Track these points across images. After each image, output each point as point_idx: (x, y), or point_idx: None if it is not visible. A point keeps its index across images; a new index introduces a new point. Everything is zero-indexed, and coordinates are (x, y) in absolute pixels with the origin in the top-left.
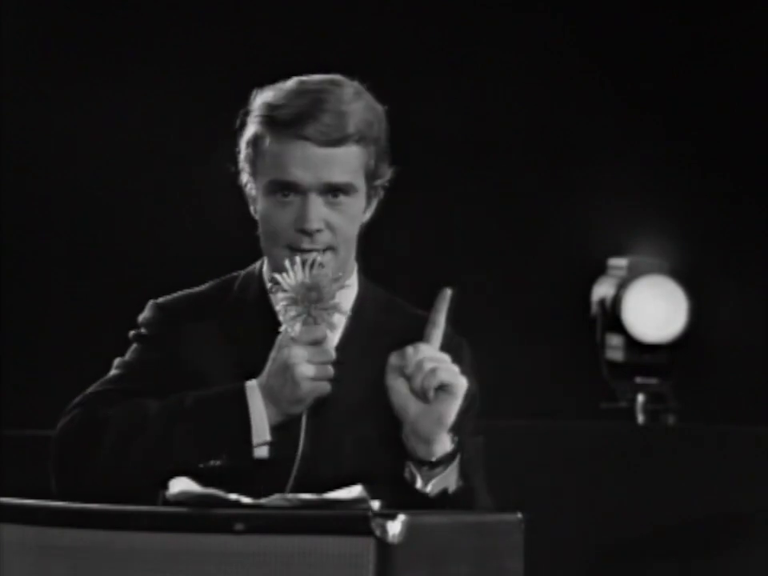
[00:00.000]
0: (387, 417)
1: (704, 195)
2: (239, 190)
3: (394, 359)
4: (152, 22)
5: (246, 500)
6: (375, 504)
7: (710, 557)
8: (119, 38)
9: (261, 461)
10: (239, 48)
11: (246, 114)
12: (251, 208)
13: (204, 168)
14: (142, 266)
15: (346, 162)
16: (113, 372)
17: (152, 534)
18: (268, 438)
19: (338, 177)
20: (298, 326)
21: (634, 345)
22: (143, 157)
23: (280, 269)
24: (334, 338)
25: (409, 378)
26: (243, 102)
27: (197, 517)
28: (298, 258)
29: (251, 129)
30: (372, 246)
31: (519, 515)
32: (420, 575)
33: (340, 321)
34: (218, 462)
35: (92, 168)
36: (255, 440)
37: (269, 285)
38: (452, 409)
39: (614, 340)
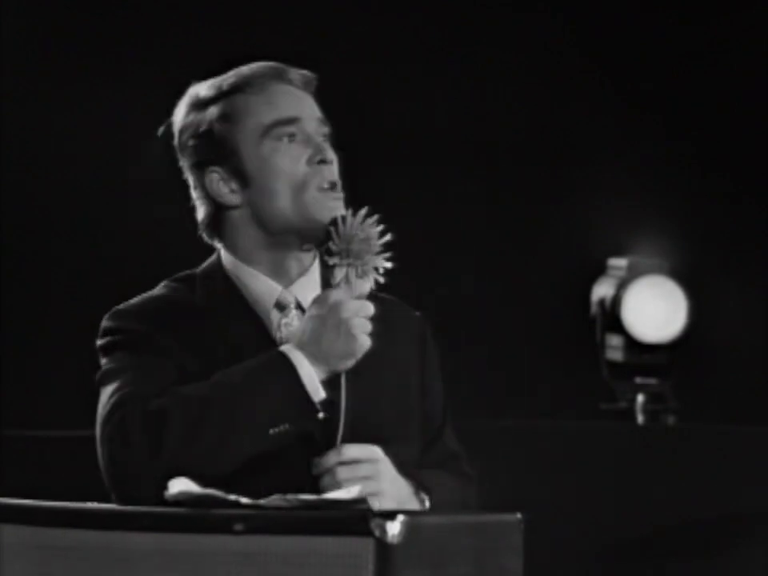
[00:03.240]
0: (386, 390)
1: (704, 195)
2: None
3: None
4: (152, 22)
5: (245, 500)
6: (374, 504)
7: (710, 557)
8: (119, 38)
9: (327, 420)
10: (240, 48)
11: (191, 111)
12: (218, 199)
13: None
14: (142, 267)
15: (317, 104)
16: (118, 381)
17: (152, 534)
18: (323, 395)
19: (321, 114)
20: (353, 277)
21: (633, 345)
22: (143, 156)
23: (304, 222)
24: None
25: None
26: None
27: (197, 517)
28: (350, 210)
29: (216, 108)
30: None
31: (519, 515)
32: (419, 575)
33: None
34: (286, 426)
35: (92, 168)
36: (315, 399)
37: (305, 246)
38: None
39: (614, 340)
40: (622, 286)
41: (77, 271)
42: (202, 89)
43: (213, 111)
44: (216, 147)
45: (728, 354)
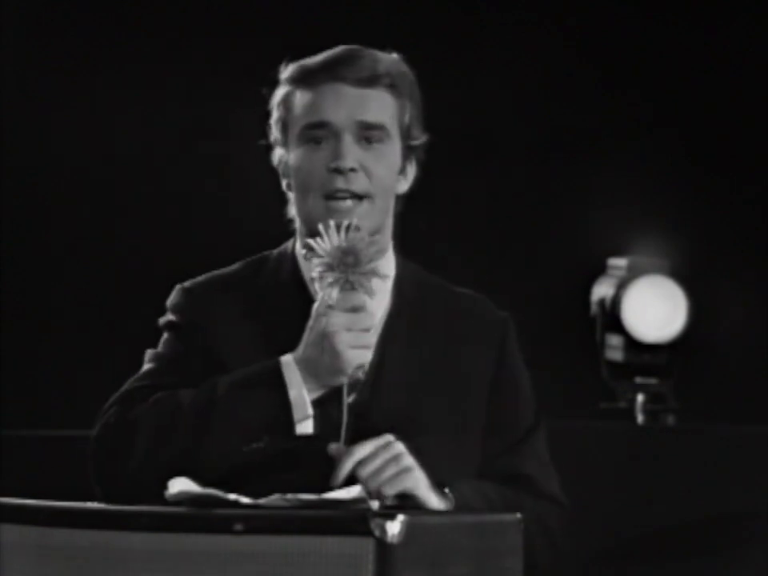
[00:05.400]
0: (437, 392)
1: (704, 195)
2: (252, 184)
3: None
4: (155, 21)
5: (245, 500)
6: (374, 504)
7: (710, 557)
8: (122, 37)
9: (308, 437)
10: (241, 47)
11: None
12: (283, 182)
13: (206, 166)
14: (142, 267)
15: (379, 103)
16: (147, 366)
17: (152, 534)
18: (309, 412)
19: (372, 116)
20: (335, 293)
21: (633, 345)
22: (149, 152)
23: (313, 229)
24: (379, 308)
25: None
26: (248, 99)
27: (196, 517)
28: (332, 222)
29: (281, 90)
30: None
31: (519, 515)
32: (420, 575)
33: (381, 290)
34: (260, 444)
35: (94, 168)
36: (296, 416)
37: (303, 251)
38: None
39: (614, 340)
40: (622, 286)
41: (78, 271)
42: (287, 69)
43: (277, 98)
44: (277, 132)
45: (728, 354)
